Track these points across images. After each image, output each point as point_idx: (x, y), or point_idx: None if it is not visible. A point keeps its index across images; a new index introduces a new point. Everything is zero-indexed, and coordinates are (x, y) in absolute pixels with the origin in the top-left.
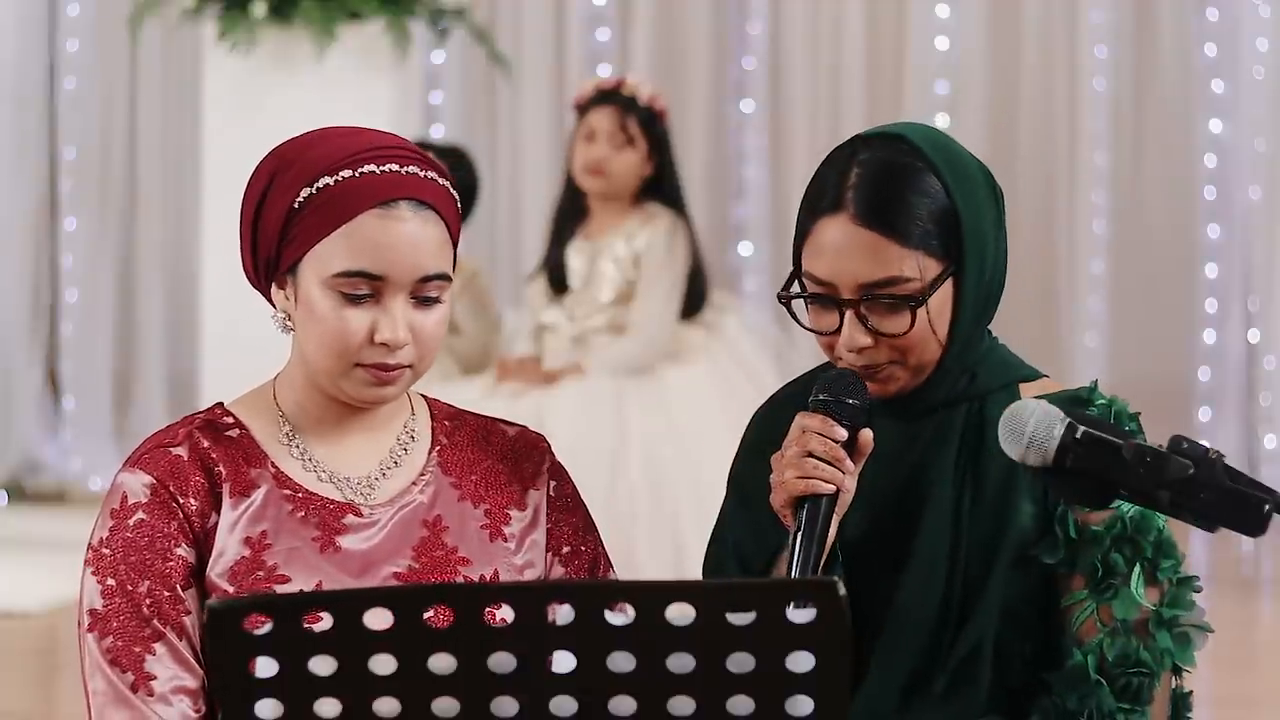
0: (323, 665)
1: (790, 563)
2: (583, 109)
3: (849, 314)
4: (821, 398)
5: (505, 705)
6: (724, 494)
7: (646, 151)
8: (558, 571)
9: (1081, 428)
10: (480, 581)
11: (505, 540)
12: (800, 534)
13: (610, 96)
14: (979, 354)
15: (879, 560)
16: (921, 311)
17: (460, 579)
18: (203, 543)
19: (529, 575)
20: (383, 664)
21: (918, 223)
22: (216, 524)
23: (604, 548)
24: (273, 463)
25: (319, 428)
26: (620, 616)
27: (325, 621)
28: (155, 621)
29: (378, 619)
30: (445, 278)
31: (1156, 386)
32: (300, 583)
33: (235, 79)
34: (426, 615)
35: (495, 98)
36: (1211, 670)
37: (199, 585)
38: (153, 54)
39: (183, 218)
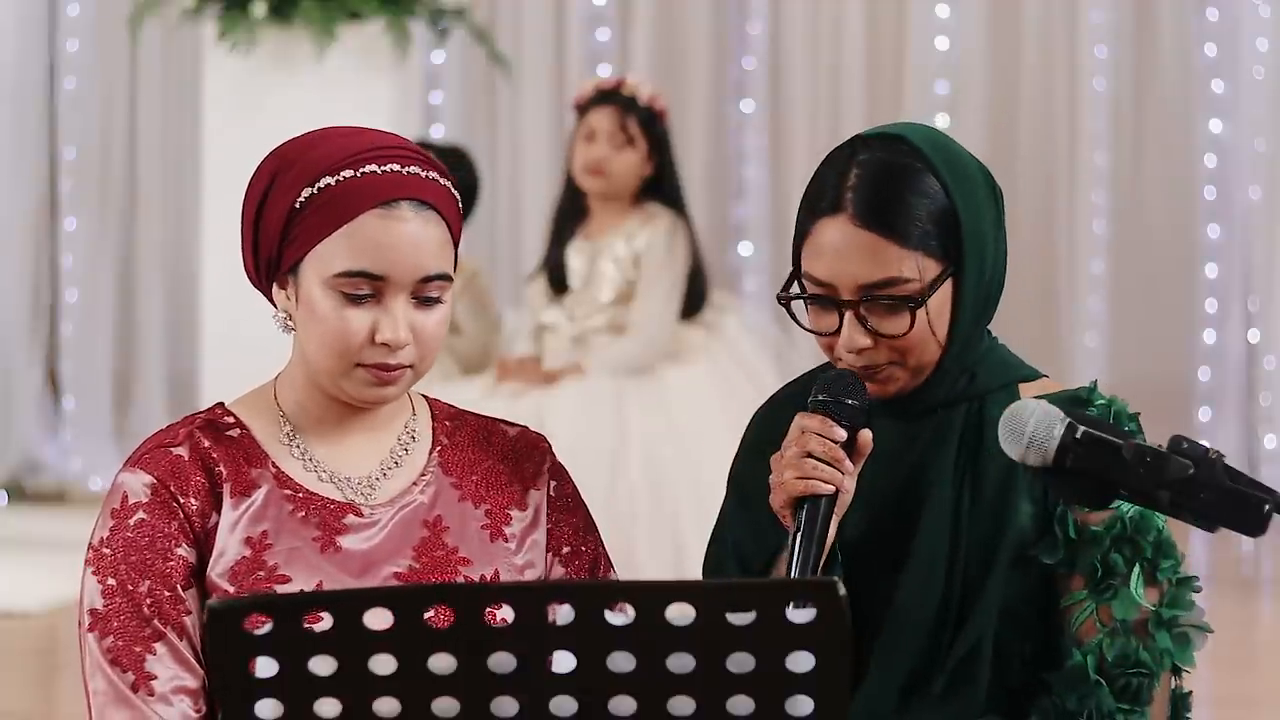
0: (323, 665)
1: (789, 563)
2: (583, 109)
3: (848, 315)
4: (820, 398)
5: (505, 705)
6: (724, 494)
7: (646, 151)
8: (558, 571)
9: (1081, 428)
10: (481, 582)
11: (506, 540)
12: (799, 534)
13: (610, 96)
14: (979, 354)
15: (878, 560)
16: (921, 312)
17: (461, 579)
18: (203, 543)
19: (529, 575)
20: (383, 664)
21: (917, 223)
22: (217, 524)
23: (604, 548)
24: (273, 463)
25: (320, 428)
26: (620, 616)
27: (325, 621)
28: (156, 621)
29: (378, 619)
30: (446, 278)
31: (1156, 386)
32: (301, 583)
33: (235, 79)
34: (427, 615)
35: (495, 98)
36: (1211, 670)
37: (200, 585)
38: (153, 54)
39: (183, 218)
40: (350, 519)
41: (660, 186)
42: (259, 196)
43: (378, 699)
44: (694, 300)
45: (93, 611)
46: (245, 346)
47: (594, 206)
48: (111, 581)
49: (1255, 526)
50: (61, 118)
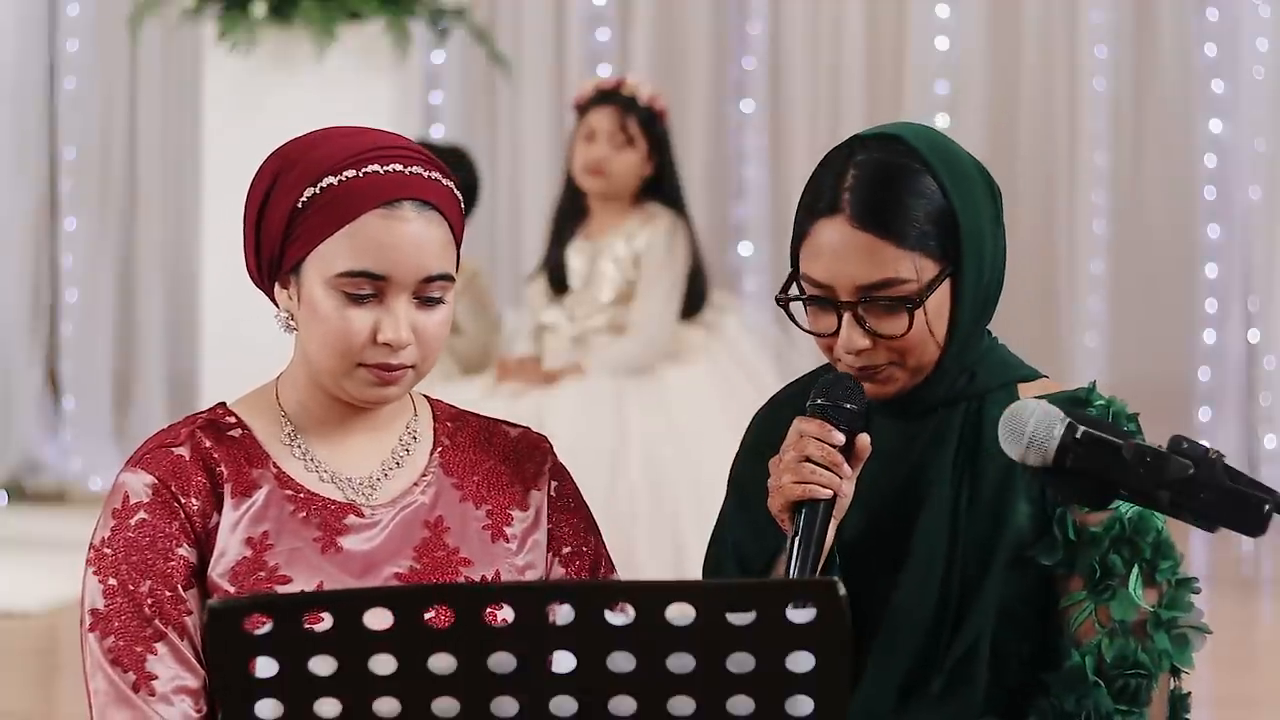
0: (323, 665)
1: (787, 567)
2: (583, 109)
3: (847, 316)
4: (819, 402)
5: (505, 705)
6: (724, 494)
7: (646, 151)
8: (558, 572)
9: (1081, 428)
10: (481, 582)
11: (507, 541)
12: (797, 538)
13: (610, 96)
14: (978, 354)
15: (876, 560)
16: (919, 313)
17: (462, 580)
18: (204, 543)
19: (530, 576)
20: (383, 664)
21: (915, 224)
22: (218, 524)
23: (605, 548)
24: (274, 463)
25: (321, 428)
26: (620, 616)
27: (325, 621)
28: (157, 621)
29: (378, 619)
30: (448, 278)
31: (1156, 386)
32: (301, 583)
33: (235, 79)
34: (427, 615)
35: (495, 98)
36: (1211, 670)
37: (200, 585)
38: (153, 54)
39: (183, 218)
40: (351, 519)
41: (660, 186)
42: (261, 196)
43: (378, 699)
44: (694, 300)
45: (94, 611)
46: (245, 346)
47: (594, 206)
48: (113, 581)
49: (1255, 526)
50: (61, 118)
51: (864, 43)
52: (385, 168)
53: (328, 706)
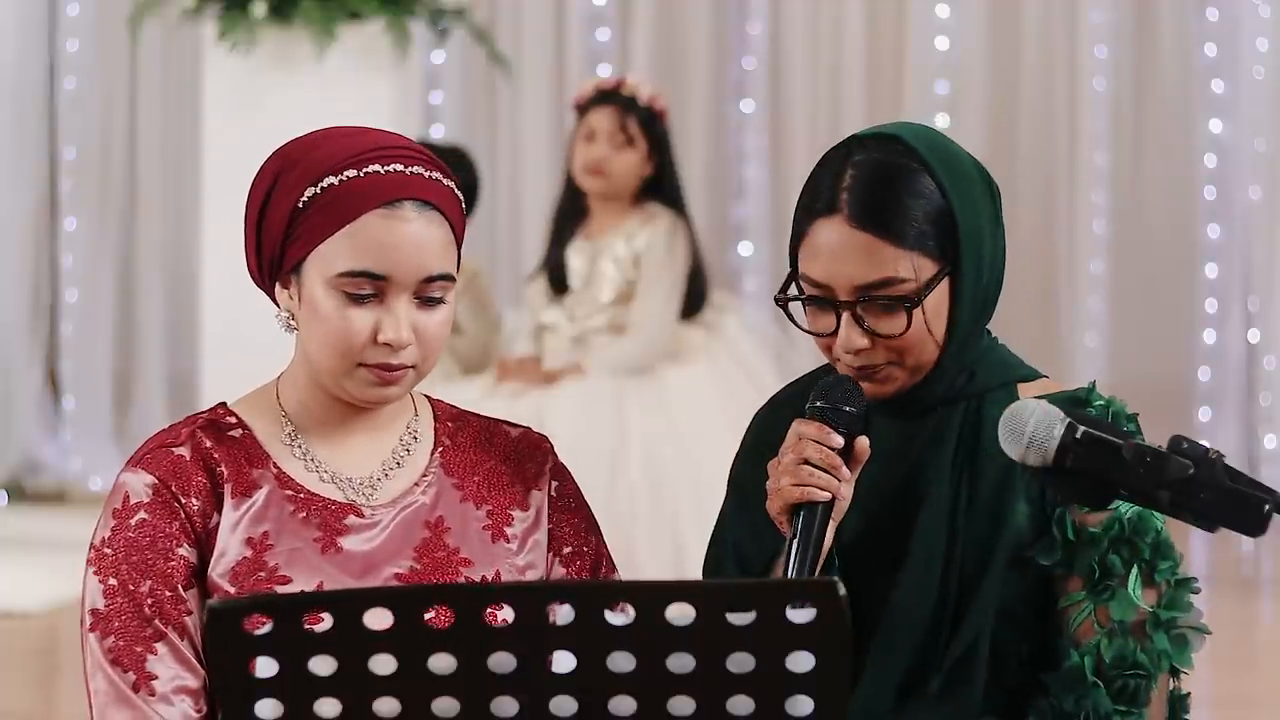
0: (323, 665)
1: (786, 569)
2: (583, 109)
3: (845, 316)
4: (818, 405)
5: (505, 705)
6: (724, 494)
7: (646, 151)
8: (559, 572)
9: (1081, 428)
10: (482, 582)
11: (507, 541)
12: (796, 541)
13: (610, 96)
14: (978, 353)
15: (875, 559)
16: (917, 312)
17: (462, 580)
18: (204, 543)
19: (530, 576)
20: (383, 664)
21: (913, 223)
22: (218, 524)
23: (606, 548)
24: (275, 463)
25: (322, 428)
26: (620, 616)
27: (325, 622)
28: (157, 621)
29: (378, 619)
30: (449, 278)
31: (1156, 386)
32: (301, 583)
33: (235, 79)
34: (427, 616)
35: (495, 98)
36: (1211, 670)
37: (201, 585)
38: (153, 54)
39: (183, 218)
40: (351, 520)
41: (660, 186)
42: (262, 196)
43: (378, 699)
44: (694, 300)
45: (94, 611)
46: (245, 346)
47: (594, 206)
48: (113, 581)
49: (1255, 526)
50: (61, 118)
51: (864, 43)
52: (386, 168)
53: (328, 706)
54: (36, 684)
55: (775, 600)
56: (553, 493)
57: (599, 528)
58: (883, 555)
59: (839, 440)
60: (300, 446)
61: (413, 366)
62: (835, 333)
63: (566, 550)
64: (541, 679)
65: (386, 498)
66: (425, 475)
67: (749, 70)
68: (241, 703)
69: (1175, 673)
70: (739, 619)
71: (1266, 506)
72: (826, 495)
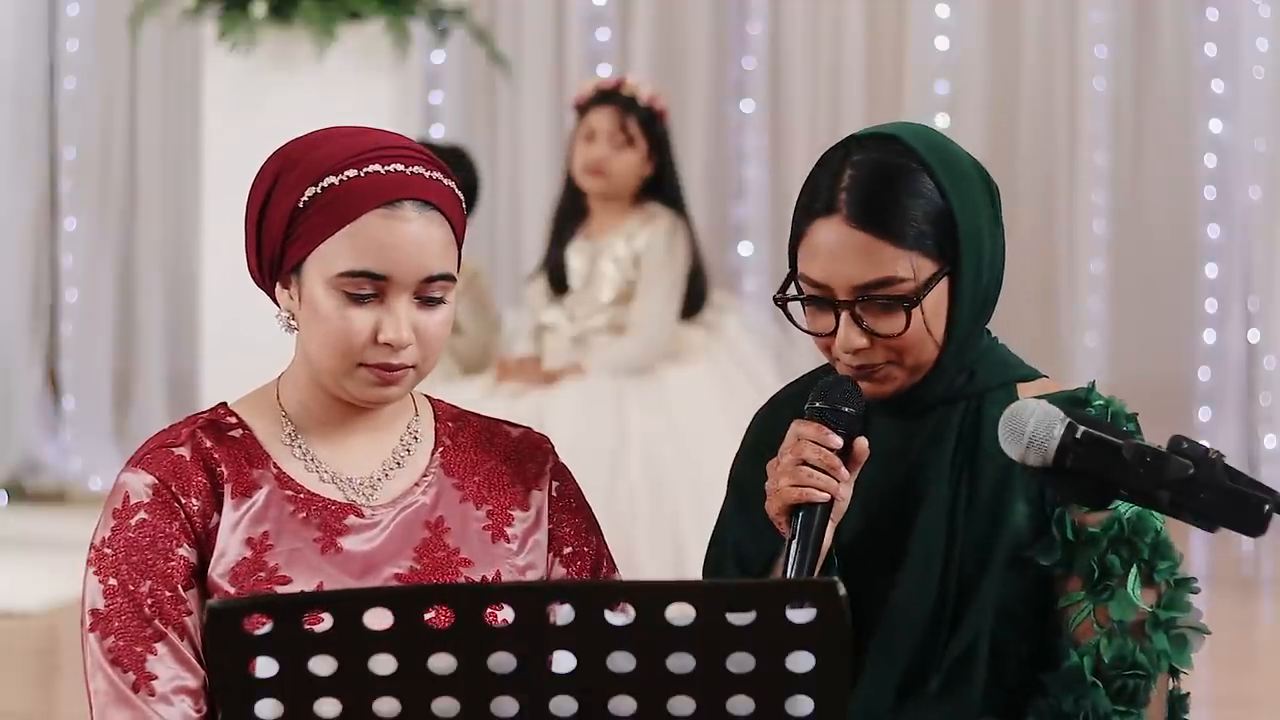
0: (323, 665)
1: (785, 570)
2: (583, 109)
3: (844, 315)
4: (817, 406)
5: (505, 705)
6: (724, 495)
7: (646, 151)
8: (559, 572)
9: (1081, 428)
10: (482, 582)
11: (507, 541)
12: (795, 542)
13: (610, 96)
14: (977, 353)
15: (875, 559)
16: (916, 312)
17: (462, 580)
18: (204, 543)
19: (531, 576)
20: (383, 664)
21: (912, 223)
22: (218, 524)
23: (607, 548)
24: (275, 463)
25: (322, 428)
26: (620, 616)
27: (325, 622)
28: (157, 621)
29: (378, 619)
30: (449, 278)
31: (1156, 386)
32: (301, 584)
33: (235, 79)
34: (427, 616)
35: (495, 98)
36: (1211, 670)
37: (201, 585)
38: (153, 54)
39: (183, 218)
40: (351, 520)
41: (660, 186)
42: (262, 196)
43: (378, 699)
44: (694, 300)
45: (94, 611)
46: (245, 346)
47: (594, 206)
48: (113, 581)
49: (1255, 526)
50: (61, 118)
51: (864, 43)
52: (386, 167)
53: (328, 706)
54: (36, 684)
55: (775, 600)
56: (553, 493)
57: (599, 528)
58: (882, 555)
59: (838, 441)
60: (300, 446)
61: (413, 366)
62: (834, 333)
63: (567, 550)
64: (541, 679)
65: (387, 498)
66: (425, 475)
67: (749, 70)
68: (241, 703)
69: (1175, 673)
70: (739, 619)
71: (1266, 506)
72: (825, 496)
